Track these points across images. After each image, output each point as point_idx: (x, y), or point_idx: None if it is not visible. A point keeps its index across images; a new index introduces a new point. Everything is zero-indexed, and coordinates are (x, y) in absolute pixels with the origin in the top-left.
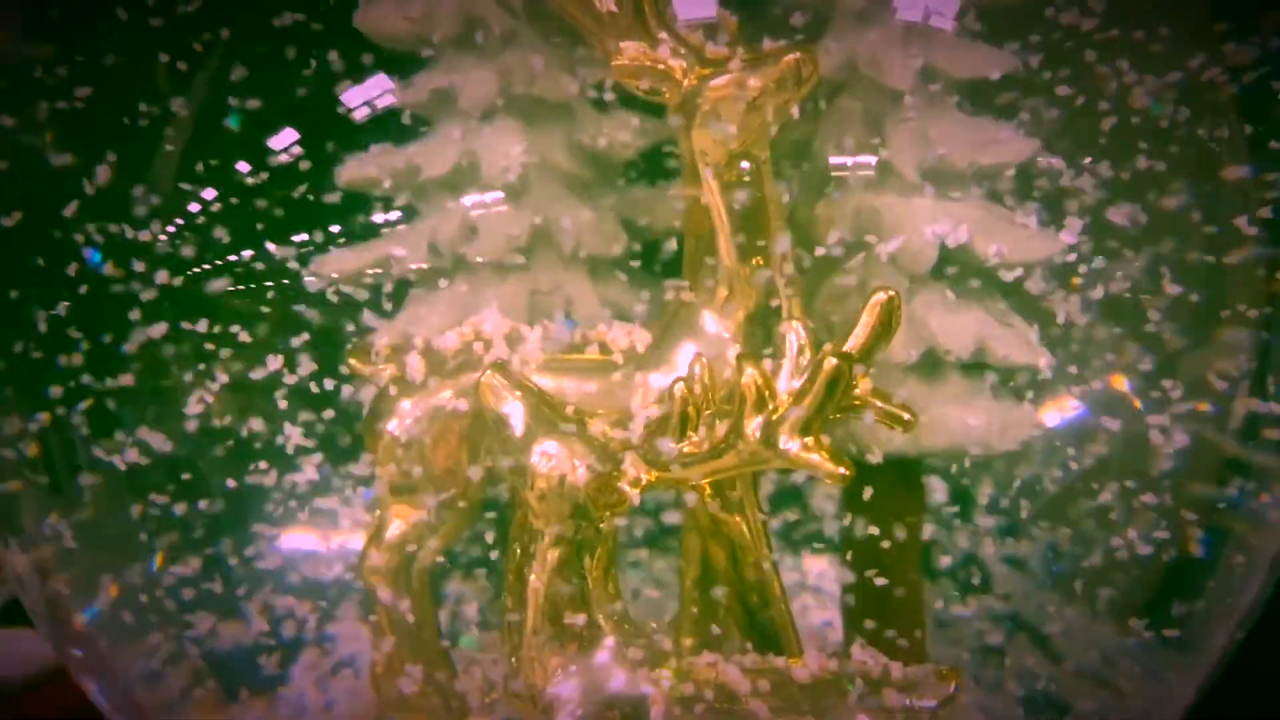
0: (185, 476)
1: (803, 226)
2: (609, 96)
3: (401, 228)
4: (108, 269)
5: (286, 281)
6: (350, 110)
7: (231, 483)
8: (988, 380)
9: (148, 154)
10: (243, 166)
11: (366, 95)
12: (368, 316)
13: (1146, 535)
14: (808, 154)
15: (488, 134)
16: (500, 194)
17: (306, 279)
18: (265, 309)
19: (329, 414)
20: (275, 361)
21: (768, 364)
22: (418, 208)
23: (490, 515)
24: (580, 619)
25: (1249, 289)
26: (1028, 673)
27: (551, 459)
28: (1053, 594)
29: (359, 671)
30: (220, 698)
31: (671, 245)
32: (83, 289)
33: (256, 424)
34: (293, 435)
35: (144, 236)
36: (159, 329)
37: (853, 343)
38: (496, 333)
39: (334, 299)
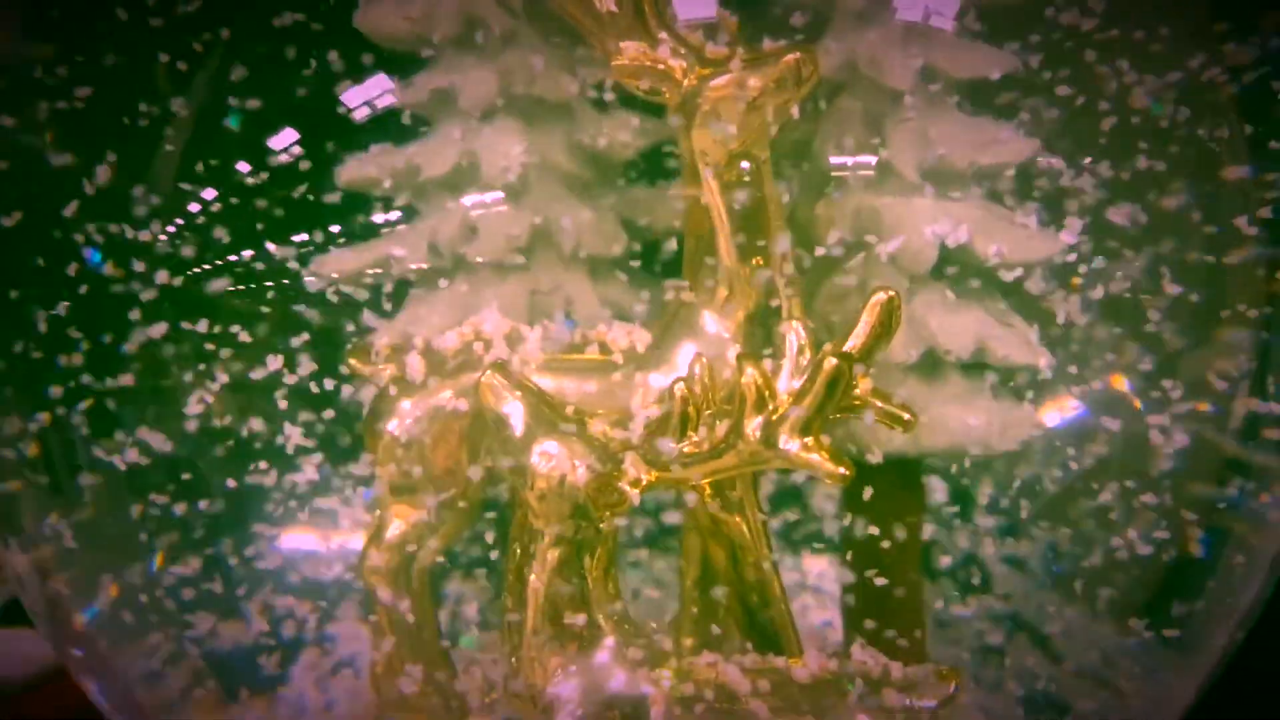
0: (185, 476)
1: (803, 226)
2: (609, 96)
3: (401, 228)
4: (108, 269)
5: (286, 281)
6: (350, 110)
7: (231, 483)
8: (988, 380)
9: (148, 154)
10: (243, 166)
11: (366, 95)
12: (368, 316)
13: (1146, 535)
14: (808, 154)
15: (488, 134)
16: (500, 194)
17: (306, 279)
18: (265, 309)
19: (329, 414)
20: (275, 361)
21: (768, 364)
22: (418, 208)
23: (490, 515)
24: (580, 619)
25: (1249, 289)
26: (1028, 673)
27: (551, 459)
28: (1053, 594)
29: (359, 671)
30: (220, 698)
31: (671, 245)
32: (83, 289)
33: (256, 424)
34: (293, 435)
35: (144, 236)
36: (159, 329)
37: (853, 343)
38: (496, 333)
39: (334, 299)
